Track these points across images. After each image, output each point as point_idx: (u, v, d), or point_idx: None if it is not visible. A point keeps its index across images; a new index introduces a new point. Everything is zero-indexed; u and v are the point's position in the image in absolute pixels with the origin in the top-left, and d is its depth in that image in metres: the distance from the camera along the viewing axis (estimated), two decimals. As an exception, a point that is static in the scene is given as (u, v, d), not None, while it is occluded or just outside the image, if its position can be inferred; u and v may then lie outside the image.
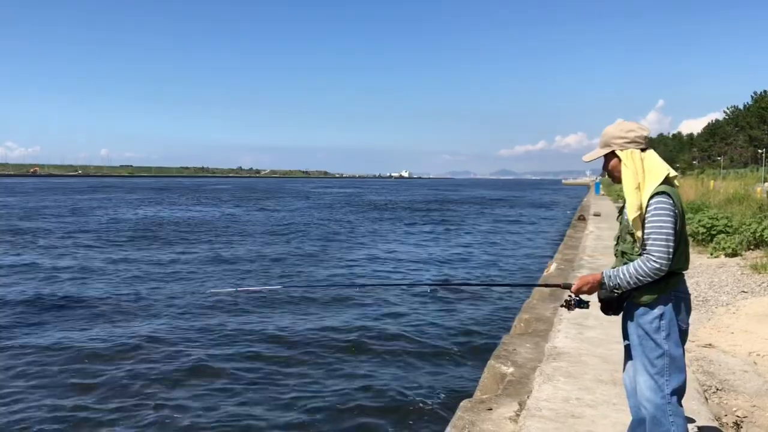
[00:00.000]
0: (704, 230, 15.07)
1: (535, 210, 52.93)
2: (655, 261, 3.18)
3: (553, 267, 13.23)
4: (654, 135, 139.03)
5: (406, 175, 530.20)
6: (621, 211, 3.57)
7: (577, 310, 3.52)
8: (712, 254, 13.78)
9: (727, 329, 7.16)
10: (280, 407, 7.46)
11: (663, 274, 3.20)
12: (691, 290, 9.74)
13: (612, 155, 3.43)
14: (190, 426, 6.90)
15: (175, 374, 8.55)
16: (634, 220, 3.25)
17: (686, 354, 6.13)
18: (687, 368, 5.53)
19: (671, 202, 3.21)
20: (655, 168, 3.30)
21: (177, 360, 9.17)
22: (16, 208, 44.41)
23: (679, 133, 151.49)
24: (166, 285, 15.07)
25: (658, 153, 3.40)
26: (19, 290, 14.17)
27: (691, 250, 3.45)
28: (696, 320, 7.75)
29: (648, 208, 3.21)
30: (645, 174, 3.28)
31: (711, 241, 14.65)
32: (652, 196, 3.21)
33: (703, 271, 11.75)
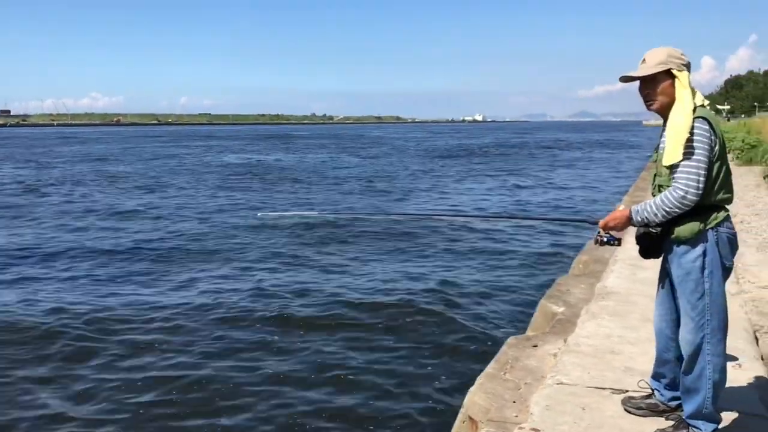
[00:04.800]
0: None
1: (613, 152, 52.05)
2: (680, 189, 3.01)
3: (621, 208, 12.95)
4: (743, 72, 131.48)
5: (479, 118, 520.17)
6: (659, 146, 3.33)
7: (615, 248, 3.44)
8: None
9: (793, 272, 6.94)
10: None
11: (691, 204, 3.03)
12: (759, 233, 9.28)
13: (664, 75, 3.15)
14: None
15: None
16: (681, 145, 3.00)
17: (742, 294, 6.02)
18: (740, 309, 5.45)
19: (707, 128, 3.03)
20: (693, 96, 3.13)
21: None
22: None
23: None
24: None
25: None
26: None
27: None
28: (762, 261, 7.53)
29: None
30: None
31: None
32: None
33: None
